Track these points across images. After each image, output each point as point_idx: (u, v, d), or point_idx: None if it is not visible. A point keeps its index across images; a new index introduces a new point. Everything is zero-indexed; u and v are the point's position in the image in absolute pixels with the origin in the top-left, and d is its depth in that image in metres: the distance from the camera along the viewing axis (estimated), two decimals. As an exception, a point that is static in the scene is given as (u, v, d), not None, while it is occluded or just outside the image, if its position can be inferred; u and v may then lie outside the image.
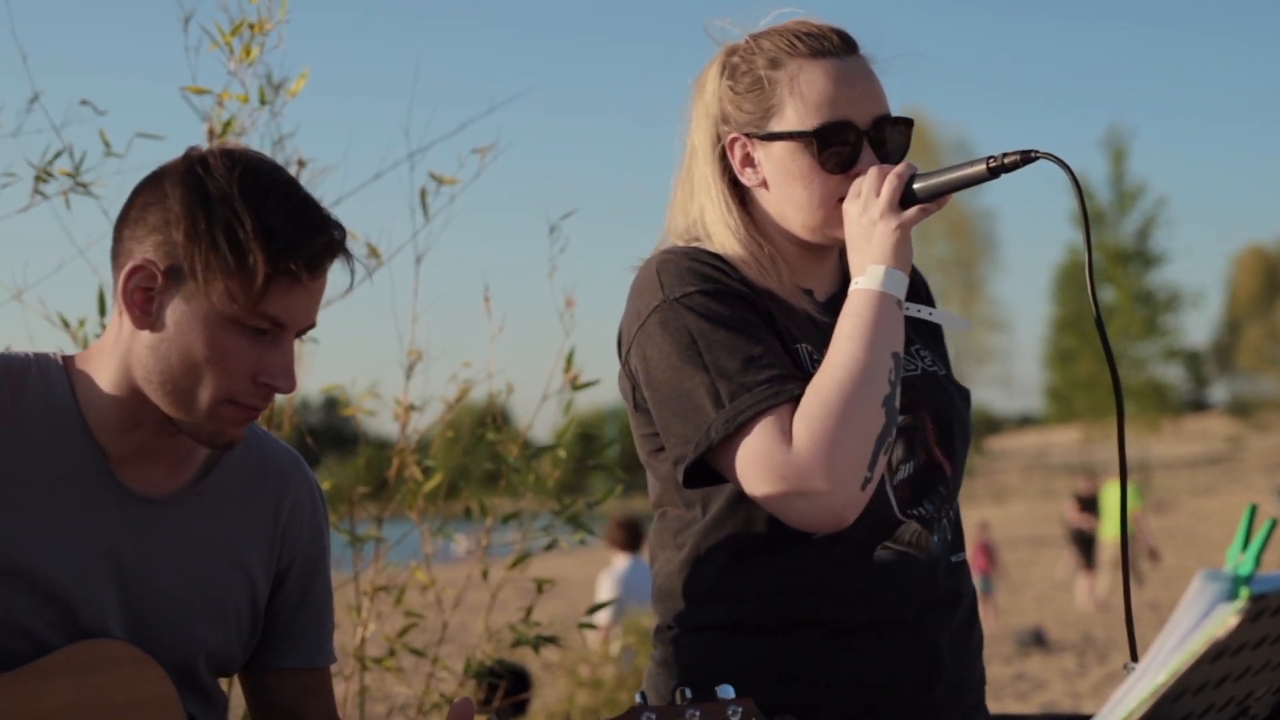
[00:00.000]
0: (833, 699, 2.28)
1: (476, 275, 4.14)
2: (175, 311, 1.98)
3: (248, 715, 2.44)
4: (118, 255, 2.02)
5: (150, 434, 2.06)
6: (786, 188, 2.35)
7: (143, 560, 2.07)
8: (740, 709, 2.08)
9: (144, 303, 1.99)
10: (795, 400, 2.22)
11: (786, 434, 2.18)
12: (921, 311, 2.42)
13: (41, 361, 2.07)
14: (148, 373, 2.00)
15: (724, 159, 2.39)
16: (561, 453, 3.90)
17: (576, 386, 3.94)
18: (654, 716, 2.07)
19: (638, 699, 2.09)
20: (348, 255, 2.05)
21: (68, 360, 2.09)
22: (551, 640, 4.08)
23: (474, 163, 4.02)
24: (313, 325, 2.06)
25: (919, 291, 2.51)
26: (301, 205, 2.00)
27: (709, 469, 2.27)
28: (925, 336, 2.53)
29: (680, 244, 2.40)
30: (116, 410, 2.04)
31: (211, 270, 1.94)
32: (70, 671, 1.98)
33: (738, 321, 2.27)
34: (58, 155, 3.68)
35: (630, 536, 9.78)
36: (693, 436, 2.24)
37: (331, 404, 4.90)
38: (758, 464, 2.19)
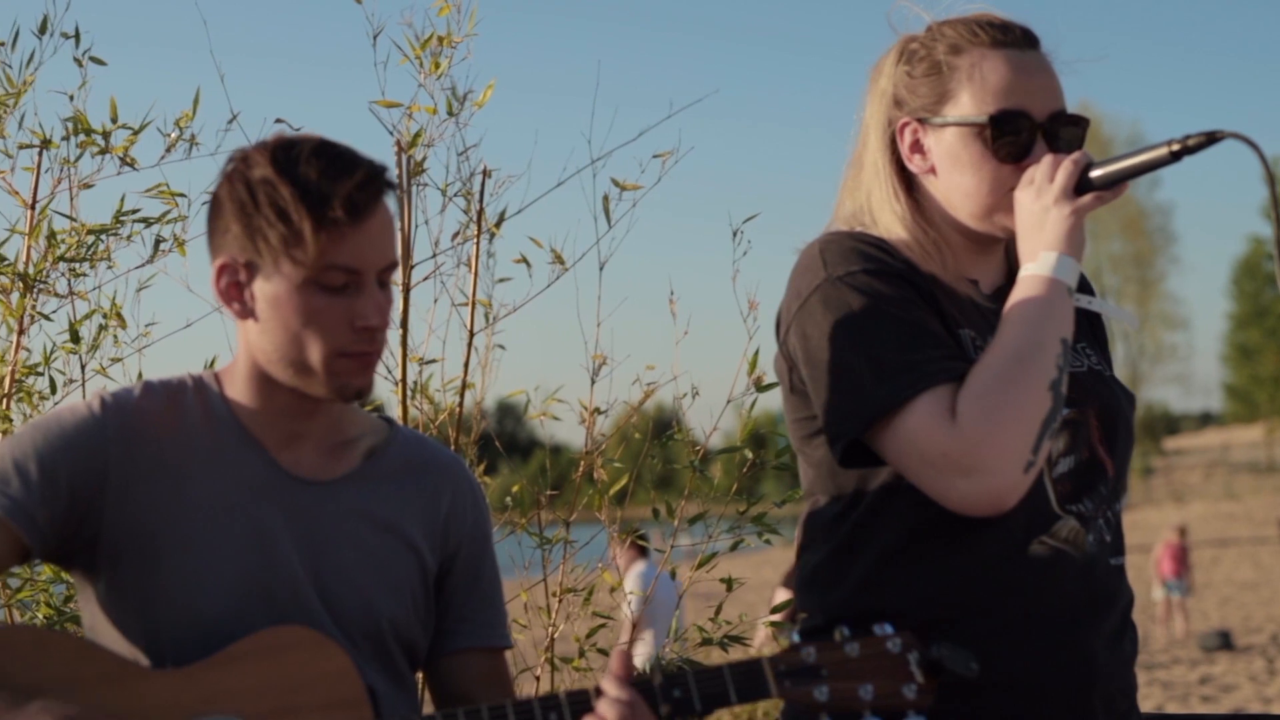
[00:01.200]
0: (984, 698, 2.24)
1: (659, 280, 4.18)
2: (263, 294, 2.14)
3: None
4: (211, 264, 2.20)
5: (292, 417, 2.22)
6: (955, 175, 2.34)
7: (316, 539, 2.21)
8: (900, 640, 2.08)
9: (238, 296, 2.17)
10: (958, 380, 2.20)
11: (950, 412, 2.17)
12: (1093, 304, 2.40)
13: (196, 379, 2.27)
14: (266, 356, 2.17)
15: (894, 145, 2.39)
16: (748, 453, 3.92)
17: (761, 388, 3.95)
18: (813, 651, 2.08)
19: (794, 638, 2.10)
20: (390, 186, 2.16)
21: (219, 374, 2.28)
22: (738, 640, 4.10)
23: (655, 168, 4.06)
24: (392, 264, 2.18)
25: (1086, 289, 2.48)
26: (331, 158, 2.14)
27: (866, 451, 2.26)
28: (1089, 337, 2.49)
29: (844, 229, 2.39)
30: (258, 401, 2.22)
31: (271, 246, 2.11)
32: (256, 655, 2.11)
33: (901, 300, 2.25)
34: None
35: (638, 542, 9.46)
36: (853, 412, 2.22)
37: (503, 410, 4.97)
38: (920, 441, 2.18)
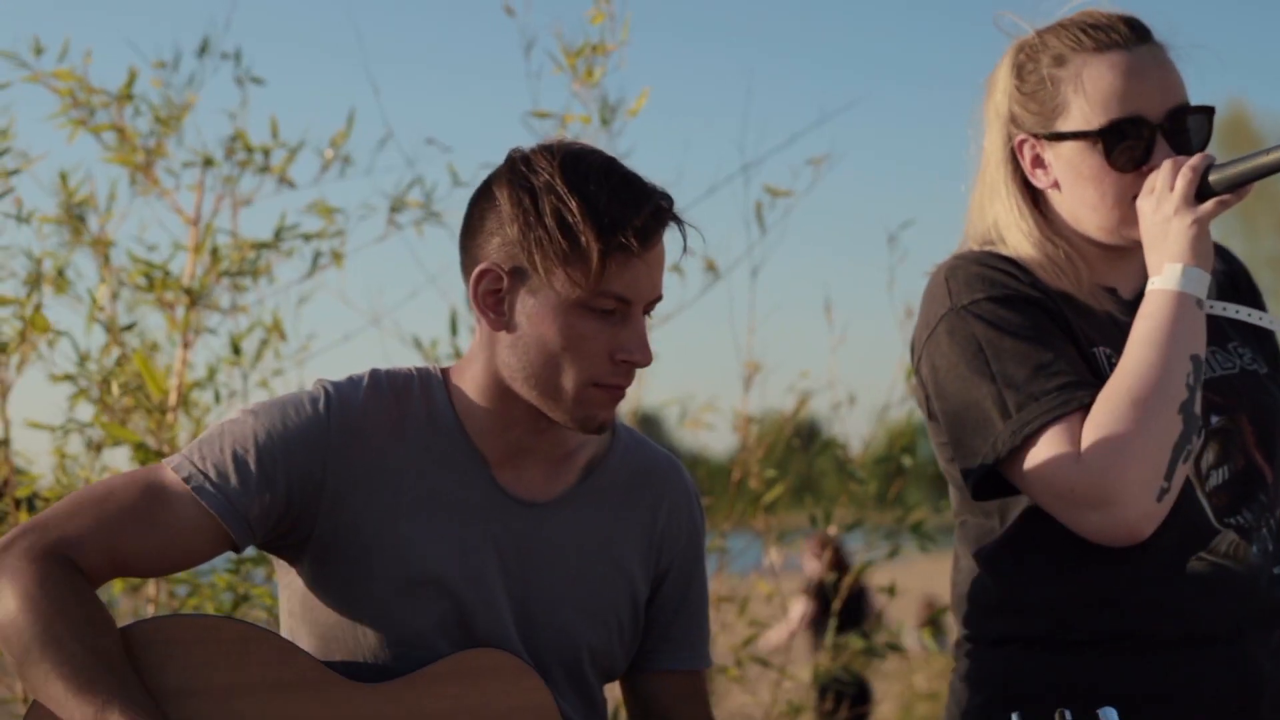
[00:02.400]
0: (1144, 713, 2.13)
1: (811, 287, 4.18)
2: (525, 307, 2.04)
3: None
4: (465, 267, 2.09)
5: (523, 433, 2.12)
6: (1078, 189, 2.26)
7: (526, 562, 2.13)
8: None
9: (495, 305, 2.06)
10: (1087, 408, 2.14)
11: (1076, 443, 2.11)
12: (1227, 310, 2.30)
13: (423, 375, 2.17)
14: (512, 372, 2.07)
15: (1015, 160, 2.31)
16: (905, 460, 3.88)
17: (919, 395, 3.91)
18: None
19: (1015, 718, 2.03)
20: (678, 221, 2.06)
21: (445, 372, 2.17)
22: (896, 648, 4.07)
23: (808, 174, 4.05)
24: (659, 298, 2.09)
25: (1239, 288, 2.39)
26: (623, 181, 2.04)
27: (1002, 479, 2.20)
28: (1246, 333, 2.38)
29: (974, 248, 2.33)
30: (489, 413, 2.11)
31: (549, 259, 2.00)
32: (457, 678, 2.06)
33: (1027, 328, 2.19)
34: (410, 186, 3.89)
35: None
36: (980, 449, 2.17)
37: (644, 420, 4.99)
38: (1047, 476, 2.13)
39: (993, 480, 2.20)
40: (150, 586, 3.43)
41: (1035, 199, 2.32)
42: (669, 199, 2.06)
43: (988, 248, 2.31)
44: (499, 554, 2.12)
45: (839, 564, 4.44)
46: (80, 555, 2.02)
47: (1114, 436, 2.10)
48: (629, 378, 2.08)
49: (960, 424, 2.21)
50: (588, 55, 3.73)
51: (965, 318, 2.21)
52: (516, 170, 2.05)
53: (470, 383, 2.13)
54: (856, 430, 4.09)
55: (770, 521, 4.16)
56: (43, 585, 1.98)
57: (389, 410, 2.12)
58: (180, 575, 3.36)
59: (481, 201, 2.09)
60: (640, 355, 2.04)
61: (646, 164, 4.09)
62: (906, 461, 3.88)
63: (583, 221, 1.99)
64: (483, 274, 2.05)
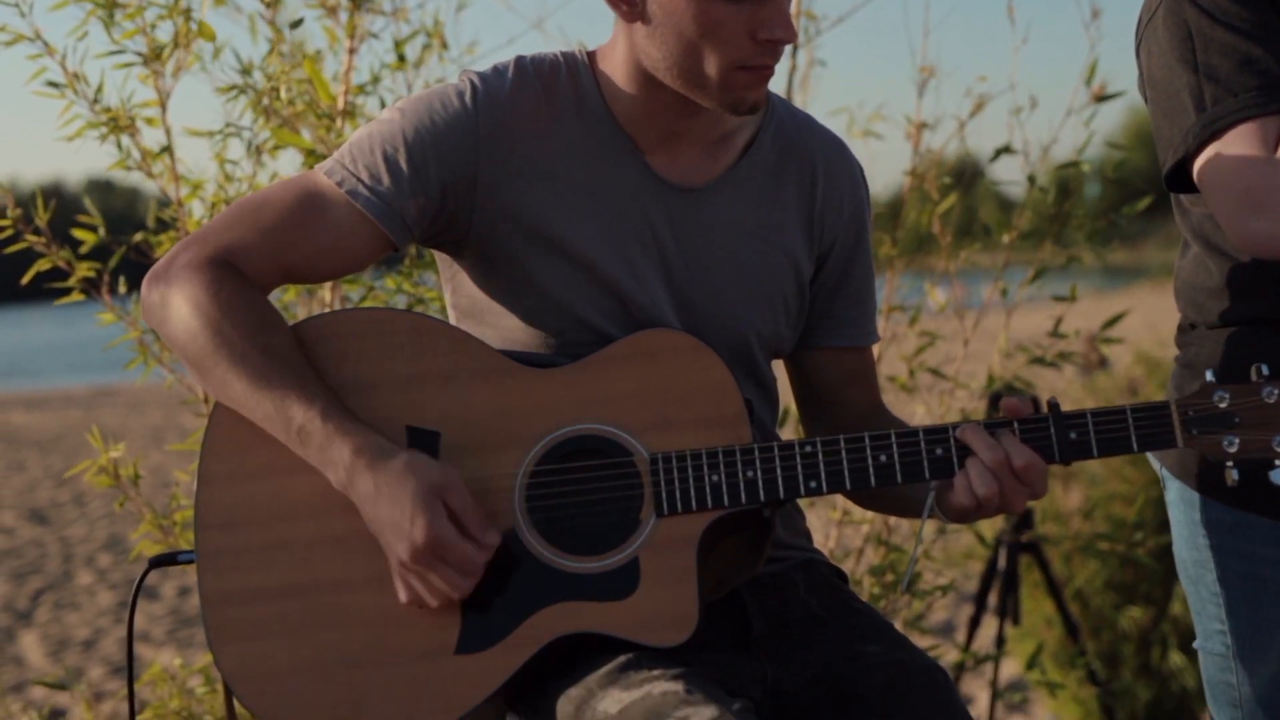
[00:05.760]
0: None
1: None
2: None
3: None
4: None
5: (674, 116, 2.10)
6: None
7: (686, 248, 2.13)
8: None
9: None
10: None
11: (1267, 146, 2.04)
12: None
13: (569, 60, 2.14)
14: (654, 62, 2.04)
15: None
16: (1085, 167, 3.75)
17: (1100, 98, 3.76)
18: (1226, 395, 1.98)
19: (1209, 376, 2.00)
20: None
21: (591, 56, 2.14)
22: (1068, 357, 4.00)
23: None
24: None
25: None
26: None
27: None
28: None
29: None
30: (637, 100, 2.09)
31: None
32: (633, 360, 2.06)
33: (1242, 18, 2.10)
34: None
35: None
36: (1175, 140, 2.12)
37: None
38: (1228, 172, 2.06)
39: (1184, 174, 2.15)
40: (325, 291, 3.47)
41: None
42: None
43: None
44: (656, 240, 2.11)
45: None
46: (244, 262, 2.05)
47: None
48: (775, 56, 2.03)
49: (1161, 113, 2.16)
50: None
51: (1182, 3, 2.13)
52: None
53: (616, 69, 2.10)
54: (1055, 136, 3.90)
55: (945, 237, 4.05)
56: (210, 291, 2.02)
57: (537, 99, 2.10)
58: (352, 279, 3.39)
59: None
60: (784, 31, 1.99)
61: None
62: (1085, 168, 3.74)
63: None
64: None
